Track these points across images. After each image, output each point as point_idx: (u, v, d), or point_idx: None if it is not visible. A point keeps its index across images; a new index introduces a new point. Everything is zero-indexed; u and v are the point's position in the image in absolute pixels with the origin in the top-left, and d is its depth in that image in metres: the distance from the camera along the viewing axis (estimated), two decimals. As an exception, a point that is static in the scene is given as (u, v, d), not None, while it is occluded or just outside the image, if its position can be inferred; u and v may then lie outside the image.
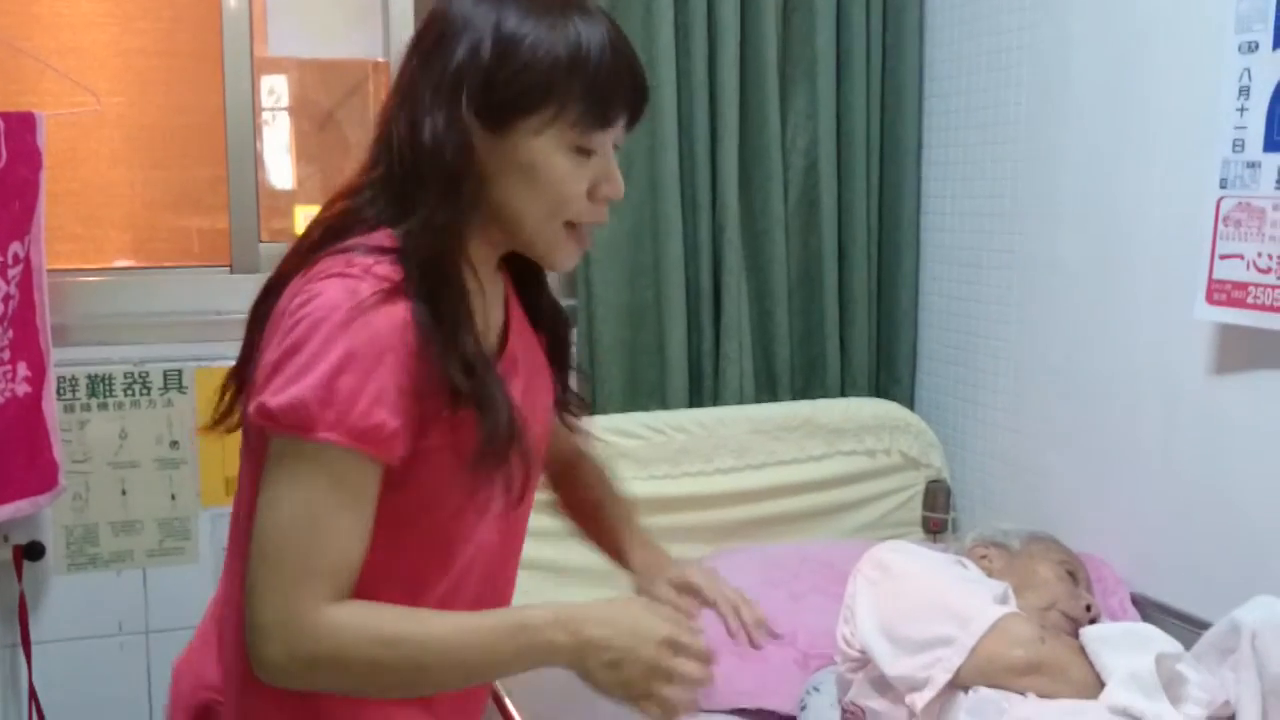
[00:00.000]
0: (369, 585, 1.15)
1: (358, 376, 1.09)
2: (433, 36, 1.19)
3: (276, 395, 1.10)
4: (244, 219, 2.39)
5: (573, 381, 1.49)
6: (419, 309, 1.13)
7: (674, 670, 1.14)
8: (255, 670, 1.12)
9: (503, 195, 1.19)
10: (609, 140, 1.21)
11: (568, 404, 1.46)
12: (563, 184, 1.18)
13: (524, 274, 1.37)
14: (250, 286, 2.32)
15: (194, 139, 2.47)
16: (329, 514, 1.10)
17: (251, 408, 1.11)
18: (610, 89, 1.18)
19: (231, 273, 2.39)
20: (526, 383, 1.33)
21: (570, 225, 1.21)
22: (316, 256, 1.18)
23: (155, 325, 2.28)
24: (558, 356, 1.42)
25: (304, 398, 1.08)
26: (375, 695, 1.17)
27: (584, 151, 1.19)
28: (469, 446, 1.17)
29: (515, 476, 1.22)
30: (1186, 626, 1.81)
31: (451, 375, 1.15)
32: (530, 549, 1.45)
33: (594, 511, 1.56)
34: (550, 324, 1.41)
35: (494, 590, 1.35)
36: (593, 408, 1.50)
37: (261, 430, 1.13)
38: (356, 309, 1.11)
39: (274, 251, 2.42)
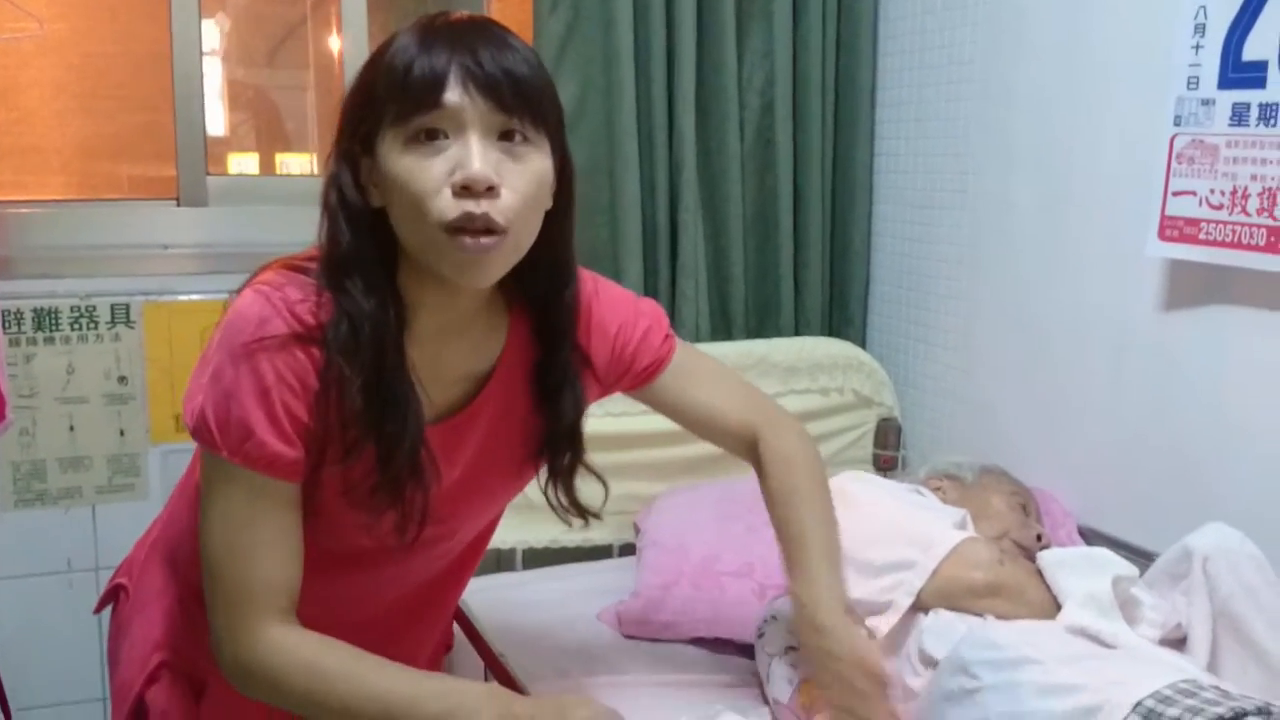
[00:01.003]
0: None
1: (247, 407, 1.14)
2: None
3: (189, 401, 1.18)
4: (191, 151, 2.33)
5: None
6: (330, 358, 1.16)
7: None
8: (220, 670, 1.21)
9: (391, 215, 1.18)
10: (458, 123, 1.12)
11: (565, 494, 1.42)
12: (411, 182, 1.12)
13: (543, 330, 1.32)
14: (197, 220, 2.33)
15: (139, 72, 2.41)
16: (252, 531, 1.18)
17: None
18: (413, 67, 1.12)
19: (178, 206, 2.34)
20: (484, 443, 1.33)
21: (452, 231, 1.12)
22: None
23: (102, 258, 2.23)
24: (550, 439, 1.37)
25: (205, 416, 1.15)
26: (308, 718, 1.22)
27: (426, 136, 1.12)
28: (360, 484, 1.20)
29: (409, 523, 1.23)
30: (1133, 558, 1.83)
31: (357, 423, 1.18)
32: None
33: (774, 513, 1.53)
34: (549, 398, 1.34)
35: (375, 606, 1.38)
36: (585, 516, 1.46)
37: None
38: (256, 344, 1.14)
39: (221, 185, 2.37)
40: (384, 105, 1.13)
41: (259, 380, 1.14)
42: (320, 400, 1.17)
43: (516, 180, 1.14)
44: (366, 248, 1.18)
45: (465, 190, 1.11)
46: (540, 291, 1.30)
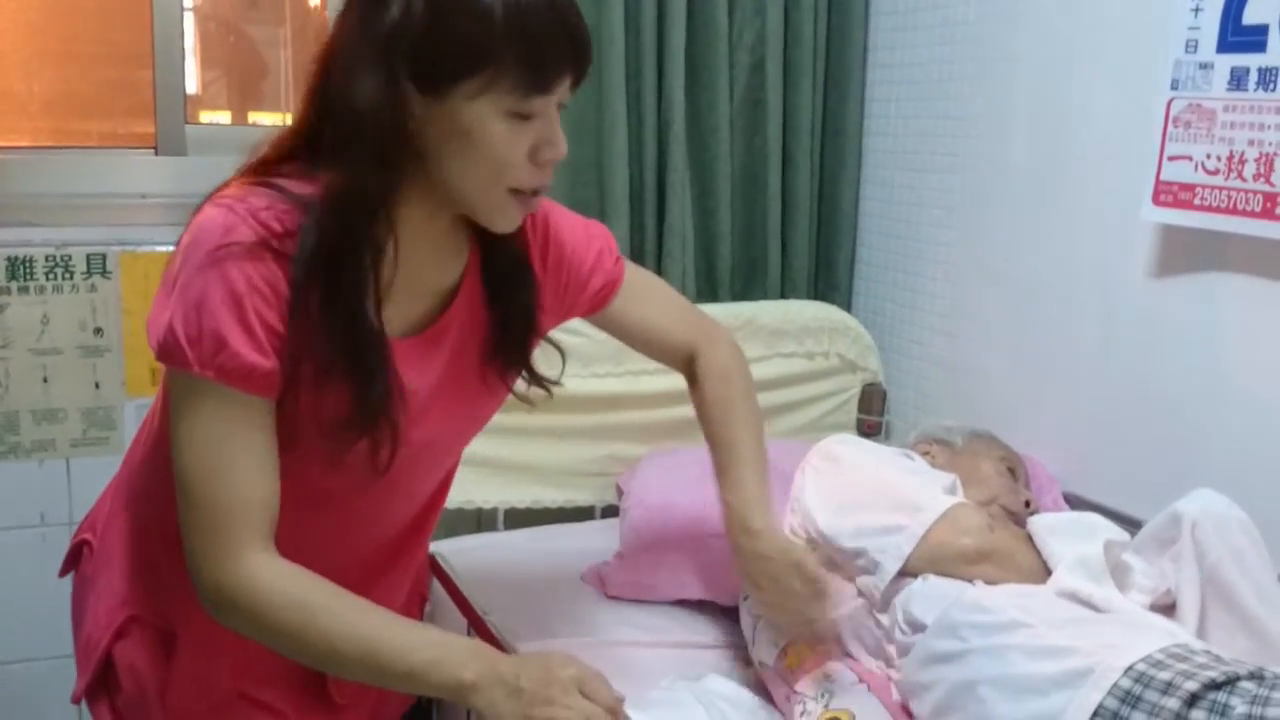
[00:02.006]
0: None
1: (219, 316, 1.10)
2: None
3: (154, 323, 1.13)
4: (170, 99, 2.28)
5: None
6: (296, 270, 1.12)
7: (574, 705, 1.16)
8: (199, 599, 1.18)
9: (440, 162, 1.17)
10: (550, 103, 1.17)
11: (528, 382, 1.42)
12: (501, 150, 1.15)
13: (489, 237, 1.31)
14: (176, 169, 2.28)
15: (115, 24, 2.36)
16: (225, 450, 1.14)
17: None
18: (547, 52, 1.13)
19: (157, 154, 2.29)
20: (452, 360, 1.31)
21: (514, 191, 1.19)
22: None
23: (79, 207, 2.18)
24: (509, 330, 1.35)
25: (174, 331, 1.10)
26: (286, 655, 1.19)
27: (523, 116, 1.15)
28: (331, 412, 1.17)
29: (381, 451, 1.21)
30: (1120, 525, 1.83)
31: (325, 343, 1.15)
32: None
33: (707, 428, 1.60)
34: (503, 290, 1.34)
35: (350, 549, 1.36)
36: (547, 387, 1.45)
37: None
38: (223, 250, 1.10)
39: (201, 134, 2.33)
40: (499, 67, 1.11)
41: (230, 288, 1.10)
42: (292, 309, 1.14)
43: None
44: (392, 185, 1.17)
45: (546, 165, 1.19)
46: None
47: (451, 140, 1.15)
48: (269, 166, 1.19)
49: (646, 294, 1.58)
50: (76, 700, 1.37)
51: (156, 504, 1.24)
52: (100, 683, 1.34)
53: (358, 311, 1.16)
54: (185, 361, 1.11)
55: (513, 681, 1.15)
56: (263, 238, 1.12)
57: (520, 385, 1.42)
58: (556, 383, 1.44)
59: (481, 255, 1.33)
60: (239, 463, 1.15)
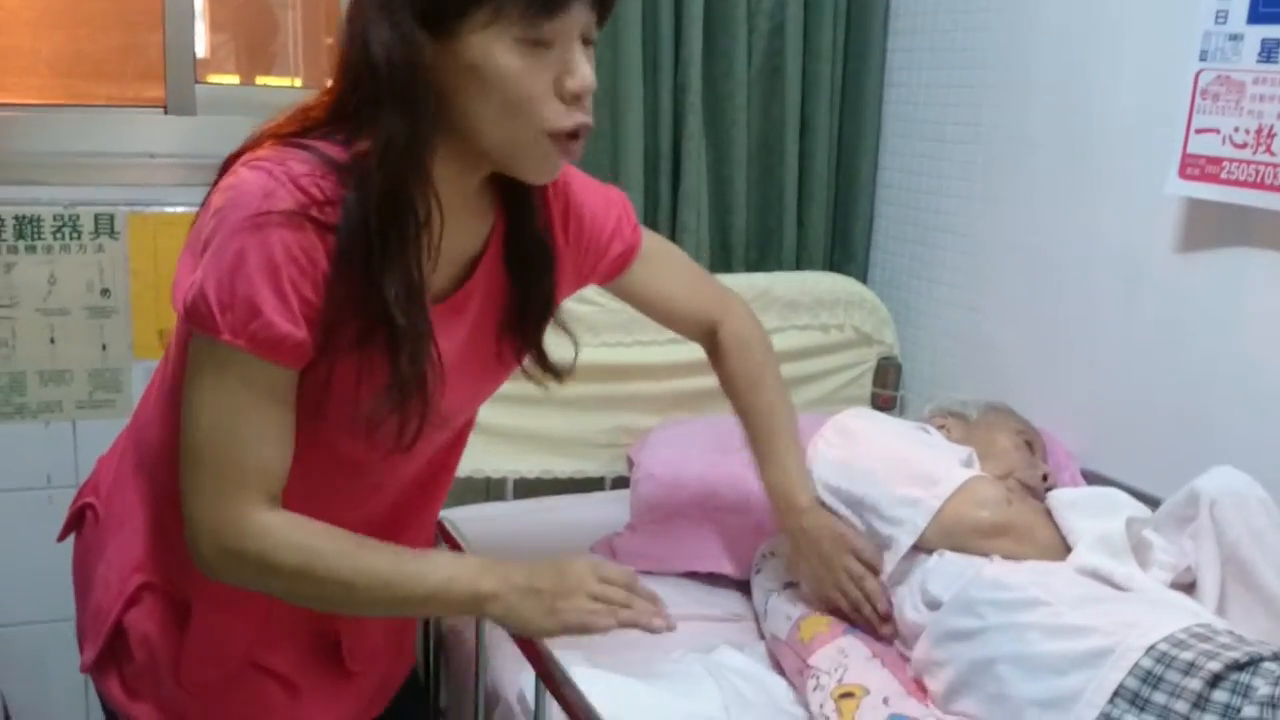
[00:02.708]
0: None
1: (255, 283, 1.07)
2: None
3: (180, 283, 1.11)
4: (180, 56, 2.25)
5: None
6: (341, 239, 1.10)
7: (595, 590, 1.18)
8: (196, 563, 1.16)
9: (461, 106, 1.13)
10: (569, 30, 1.11)
11: (536, 362, 1.38)
12: (514, 82, 1.10)
13: (513, 209, 1.28)
14: (186, 129, 2.25)
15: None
16: (243, 418, 1.11)
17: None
18: None
19: (166, 114, 2.25)
20: (473, 329, 1.29)
21: (552, 136, 1.12)
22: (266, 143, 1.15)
23: (87, 166, 2.15)
24: (527, 309, 1.32)
25: (205, 294, 1.08)
26: (300, 603, 1.19)
27: (538, 44, 1.09)
28: (367, 381, 1.15)
29: (409, 424, 1.18)
30: (1138, 502, 1.82)
31: (369, 311, 1.12)
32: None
33: (739, 401, 1.61)
34: (525, 270, 1.31)
35: (364, 511, 1.33)
36: (560, 376, 1.42)
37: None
38: (263, 217, 1.07)
39: (210, 94, 2.30)
40: (499, 2, 1.08)
41: (268, 254, 1.07)
42: (330, 281, 1.11)
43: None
44: (422, 139, 1.12)
45: (577, 100, 1.12)
46: None
47: (468, 82, 1.11)
48: (299, 131, 1.16)
49: (664, 262, 1.57)
50: (86, 670, 1.34)
51: (173, 467, 1.21)
52: (109, 652, 1.31)
53: (406, 279, 1.13)
54: (215, 327, 1.08)
55: (528, 584, 1.17)
56: (303, 205, 1.09)
57: (533, 366, 1.40)
58: (567, 372, 1.41)
59: (506, 229, 1.30)
60: (256, 431, 1.13)
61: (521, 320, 1.33)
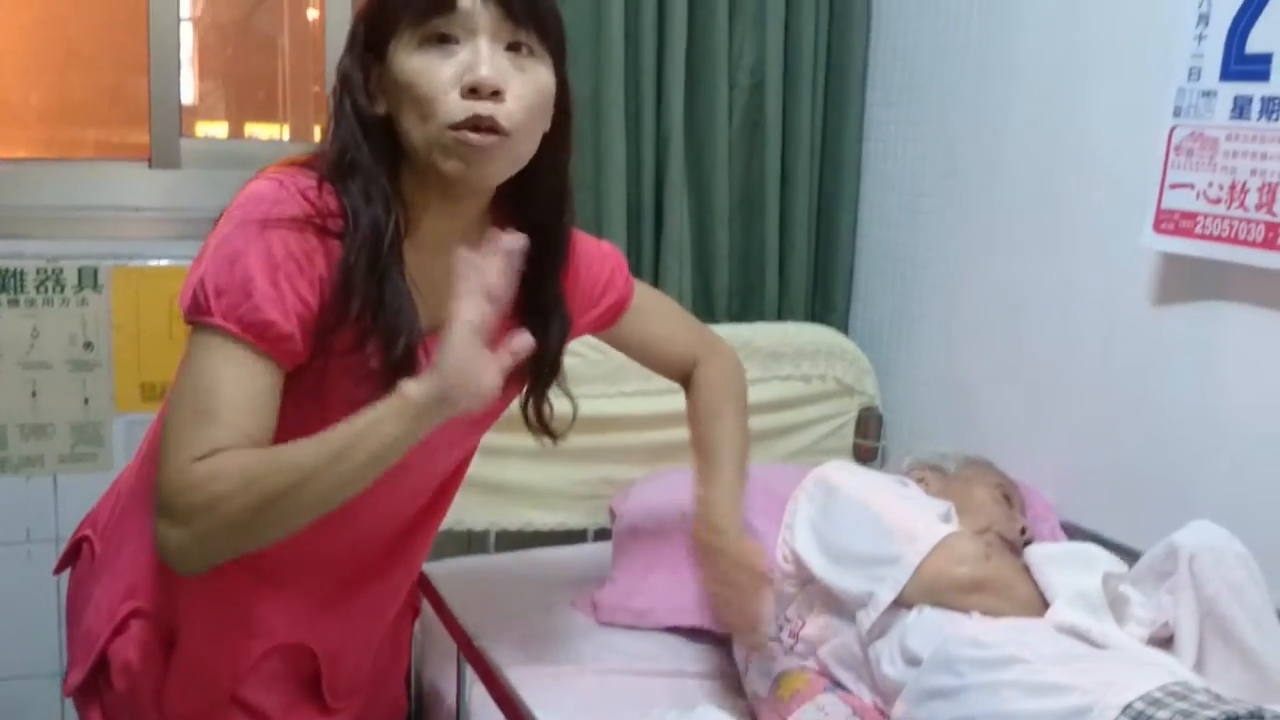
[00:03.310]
0: None
1: (251, 273, 1.14)
2: None
3: (187, 284, 1.18)
4: (165, 111, 2.26)
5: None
6: (347, 245, 1.18)
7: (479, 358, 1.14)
8: (164, 558, 1.15)
9: (399, 120, 1.22)
10: (470, 28, 1.18)
11: (535, 413, 1.46)
12: (416, 79, 1.18)
13: (537, 260, 1.32)
14: (170, 183, 2.26)
15: (112, 33, 2.35)
16: (218, 387, 1.14)
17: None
18: None
19: (150, 167, 2.27)
20: None
21: (452, 128, 1.18)
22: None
23: (71, 219, 2.17)
24: (538, 367, 1.40)
25: (204, 283, 1.15)
26: (256, 534, 1.15)
27: (442, 40, 1.18)
28: (366, 387, 1.19)
29: None
30: (1116, 555, 1.82)
31: (364, 315, 1.18)
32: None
33: (694, 431, 1.67)
34: (542, 326, 1.36)
35: (365, 535, 1.38)
36: (555, 438, 1.51)
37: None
38: (269, 221, 1.16)
39: (196, 147, 2.31)
40: (400, 10, 1.19)
41: (267, 250, 1.15)
42: (327, 286, 1.18)
43: (521, 88, 1.20)
44: (373, 151, 1.22)
45: (473, 92, 1.17)
46: (540, 218, 1.34)
47: (396, 93, 1.20)
48: (308, 159, 1.26)
49: (653, 312, 1.64)
50: (70, 693, 1.37)
51: None
52: (93, 680, 1.34)
53: (395, 285, 1.20)
54: (208, 310, 1.14)
55: (439, 390, 1.13)
56: (308, 214, 1.17)
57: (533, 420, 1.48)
58: (563, 434, 1.51)
59: (526, 283, 1.31)
60: (232, 397, 1.14)
61: (528, 375, 1.40)
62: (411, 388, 1.12)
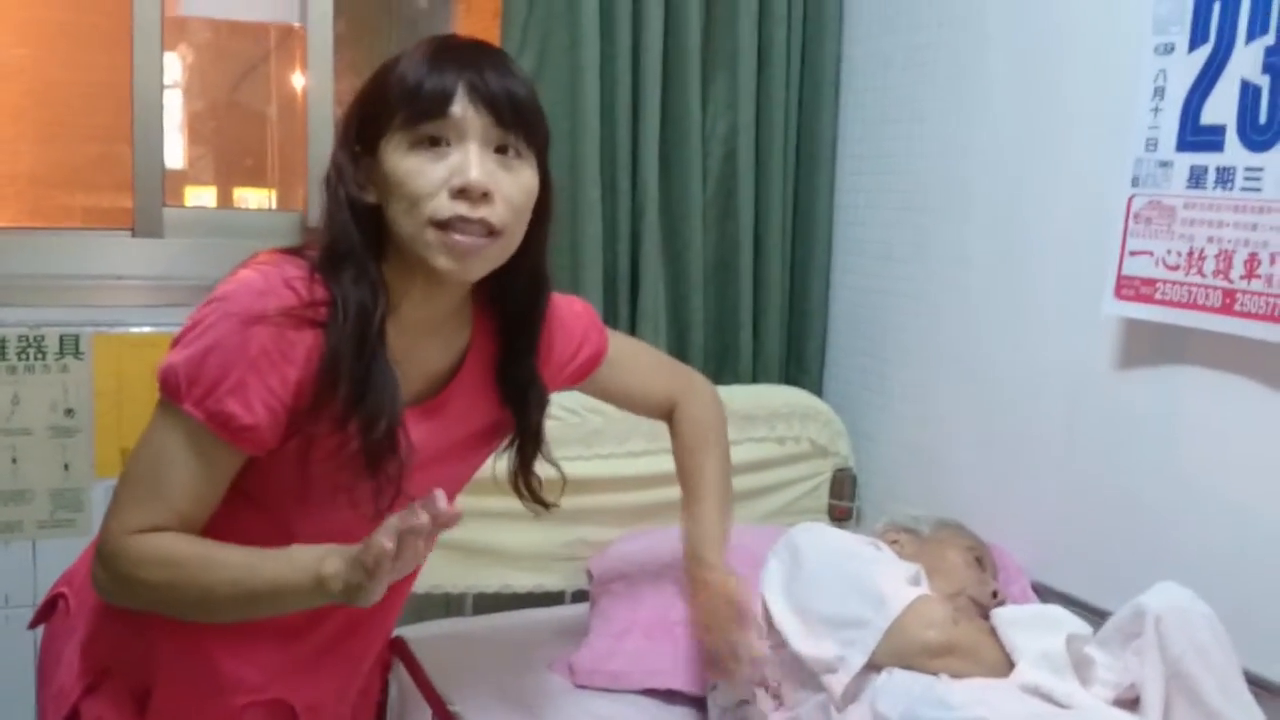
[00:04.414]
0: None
1: (226, 367, 1.21)
2: None
3: (165, 363, 1.23)
4: (149, 181, 2.30)
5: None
6: (331, 333, 1.23)
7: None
8: (93, 586, 1.27)
9: (387, 211, 1.27)
10: (460, 132, 1.24)
11: (526, 490, 1.53)
12: (411, 178, 1.23)
13: (511, 338, 1.42)
14: (153, 251, 2.29)
15: (97, 101, 2.39)
16: (174, 464, 1.22)
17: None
18: (426, 78, 1.24)
19: (134, 236, 2.30)
20: (448, 430, 1.40)
21: (438, 226, 1.23)
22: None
23: (52, 288, 2.18)
24: (521, 439, 1.48)
25: (176, 367, 1.21)
26: (172, 614, 1.27)
27: (433, 143, 1.23)
28: (346, 453, 1.26)
29: (386, 489, 1.28)
30: (1086, 615, 1.85)
31: (347, 395, 1.25)
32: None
33: (679, 469, 1.73)
34: (518, 402, 1.45)
35: None
36: (546, 506, 1.58)
37: None
38: (254, 315, 1.21)
39: (177, 217, 2.34)
40: (393, 111, 1.24)
41: (245, 348, 1.20)
42: (305, 376, 1.23)
43: (509, 189, 1.26)
44: (363, 238, 1.27)
45: (461, 194, 1.22)
46: (517, 299, 1.41)
47: (386, 187, 1.26)
48: (298, 246, 1.32)
49: (629, 360, 1.70)
50: None
51: None
52: None
53: (380, 366, 1.26)
54: (179, 395, 1.21)
55: (348, 586, 1.16)
56: (292, 306, 1.22)
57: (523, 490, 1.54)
58: (556, 504, 1.57)
59: (501, 356, 1.42)
60: (182, 480, 1.23)
61: (514, 448, 1.49)
62: (329, 571, 1.16)
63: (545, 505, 1.55)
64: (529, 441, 1.49)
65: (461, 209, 1.22)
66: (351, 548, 1.18)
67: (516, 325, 1.42)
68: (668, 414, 1.75)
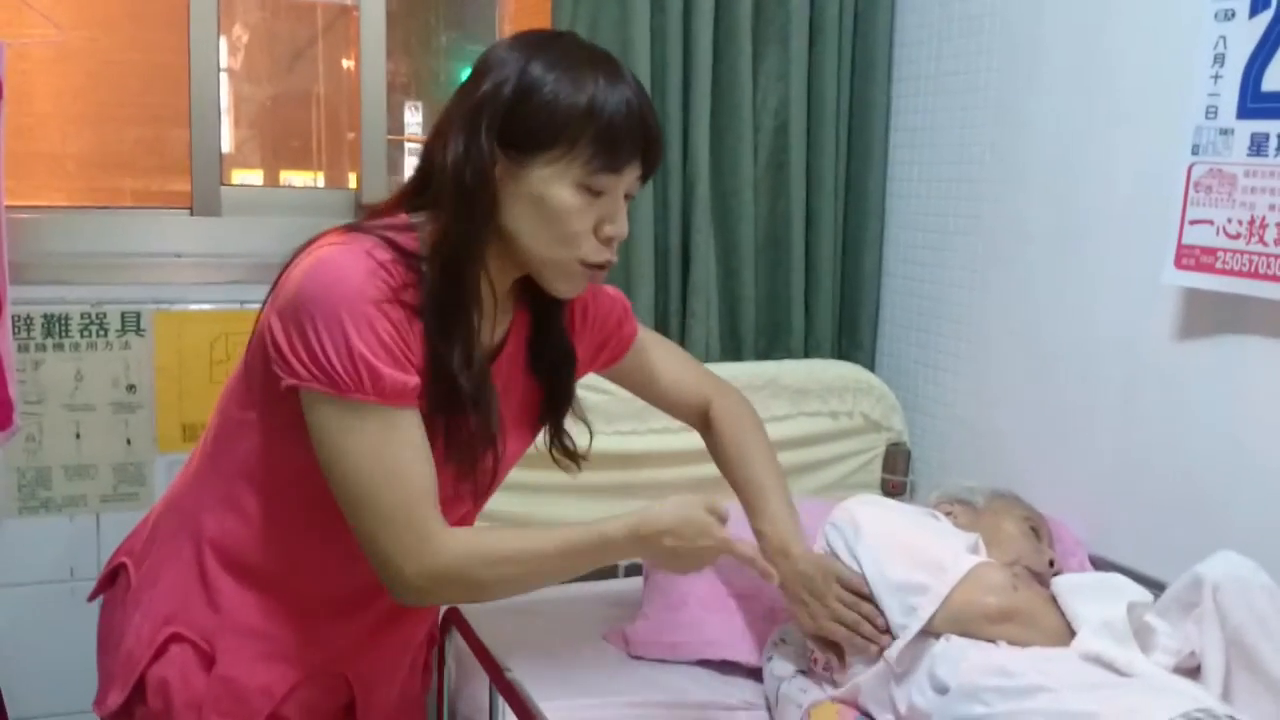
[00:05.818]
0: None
1: (371, 351, 1.23)
2: (472, 76, 1.33)
3: (294, 358, 1.24)
4: (206, 160, 2.33)
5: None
6: (427, 319, 1.28)
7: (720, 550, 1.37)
8: (398, 598, 1.30)
9: (514, 220, 1.31)
10: (619, 186, 1.31)
11: (559, 449, 1.56)
12: (566, 217, 1.29)
13: (542, 314, 1.47)
14: (211, 230, 2.33)
15: (152, 84, 2.42)
16: (396, 456, 1.26)
17: (283, 383, 1.25)
18: (622, 139, 1.28)
19: (192, 215, 2.33)
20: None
21: (585, 265, 1.33)
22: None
23: (114, 266, 2.22)
24: (552, 404, 1.52)
25: (329, 364, 1.22)
26: (490, 600, 1.36)
27: (591, 191, 1.29)
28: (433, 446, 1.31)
29: (483, 472, 1.38)
30: (1145, 587, 1.84)
31: (448, 377, 1.30)
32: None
33: (730, 471, 1.77)
34: (550, 370, 1.49)
35: None
36: (579, 461, 1.61)
37: (268, 373, 1.28)
38: (367, 300, 1.23)
39: (236, 196, 2.37)
40: (571, 147, 1.27)
41: (374, 329, 1.23)
42: (425, 352, 1.29)
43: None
44: (478, 235, 1.30)
45: (610, 242, 1.33)
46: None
47: (524, 202, 1.30)
48: (375, 217, 1.35)
49: (660, 352, 1.75)
50: (104, 716, 1.41)
51: (220, 527, 1.36)
52: (129, 705, 1.38)
53: (466, 350, 1.31)
54: (343, 389, 1.23)
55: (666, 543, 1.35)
56: (394, 288, 1.26)
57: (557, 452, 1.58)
58: (584, 457, 1.59)
59: (532, 332, 1.47)
60: (410, 463, 1.27)
61: (544, 413, 1.51)
62: (657, 527, 1.34)
63: (578, 461, 1.59)
64: (561, 403, 1.53)
65: (608, 254, 1.34)
66: (646, 522, 1.34)
67: (544, 302, 1.46)
68: (701, 413, 1.77)
